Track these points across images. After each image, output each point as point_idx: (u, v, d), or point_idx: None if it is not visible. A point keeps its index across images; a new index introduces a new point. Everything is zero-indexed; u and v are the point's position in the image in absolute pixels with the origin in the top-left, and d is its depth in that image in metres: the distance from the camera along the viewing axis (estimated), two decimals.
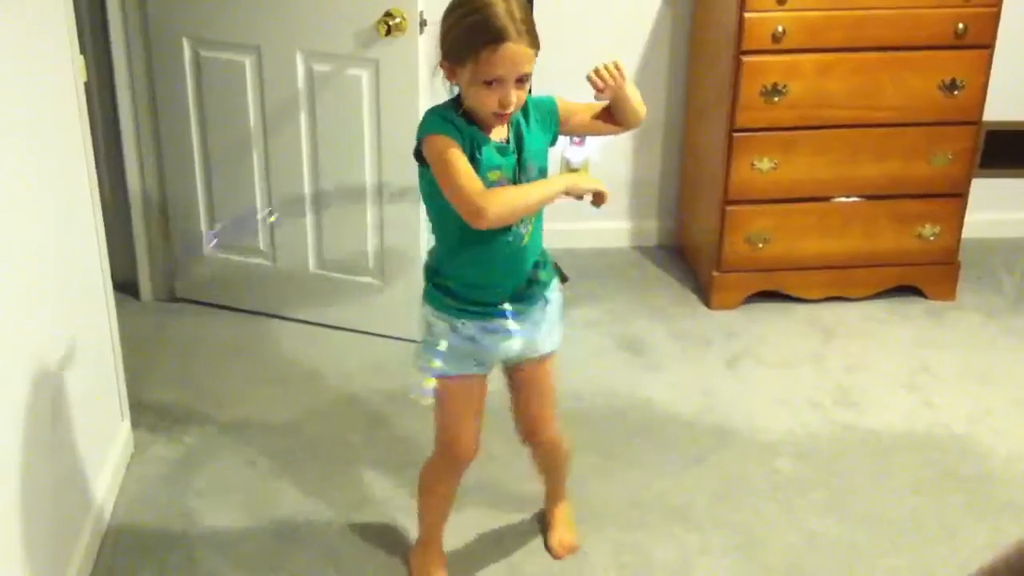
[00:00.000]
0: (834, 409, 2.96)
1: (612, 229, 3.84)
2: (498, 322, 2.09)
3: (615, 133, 2.13)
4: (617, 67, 1.99)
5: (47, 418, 2.15)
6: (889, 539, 2.48)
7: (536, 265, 2.12)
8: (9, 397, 1.96)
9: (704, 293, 3.49)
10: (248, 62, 3.08)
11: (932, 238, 3.40)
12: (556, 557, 2.42)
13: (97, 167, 3.34)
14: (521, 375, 2.22)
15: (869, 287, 3.47)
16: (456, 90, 1.99)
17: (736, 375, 3.12)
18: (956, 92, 3.20)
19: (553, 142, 2.08)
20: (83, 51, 2.81)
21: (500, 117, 1.95)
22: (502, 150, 1.99)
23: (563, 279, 3.55)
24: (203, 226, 3.34)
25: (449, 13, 1.94)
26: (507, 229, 2.02)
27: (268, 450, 2.76)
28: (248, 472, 2.68)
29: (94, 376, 2.52)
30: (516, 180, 2.01)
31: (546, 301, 2.16)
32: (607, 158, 3.72)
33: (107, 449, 2.57)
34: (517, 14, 1.89)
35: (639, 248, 3.87)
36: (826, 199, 3.34)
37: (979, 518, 2.55)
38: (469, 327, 2.09)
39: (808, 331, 3.33)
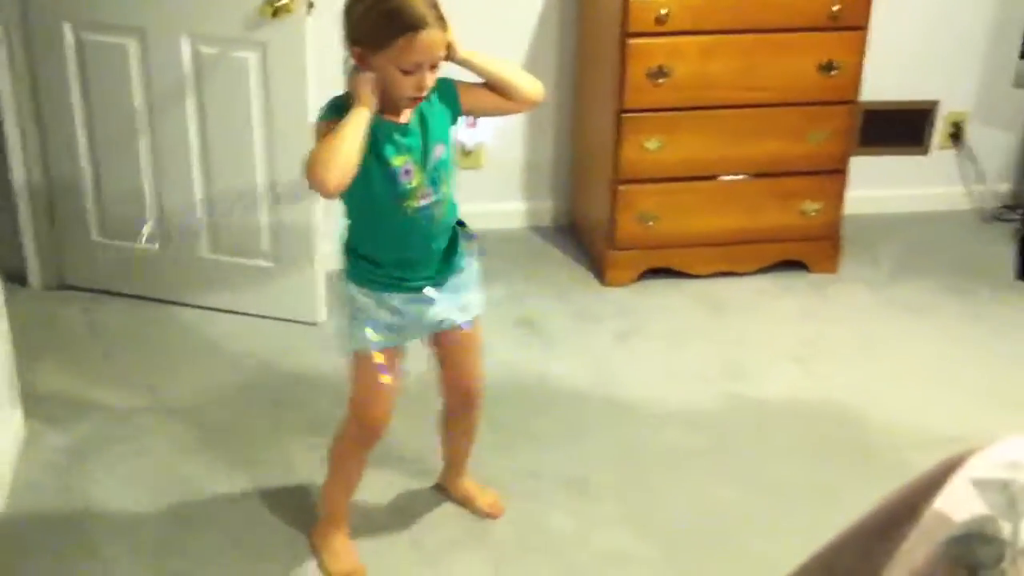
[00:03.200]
0: (722, 381, 3.05)
1: (508, 210, 3.89)
2: (421, 293, 2.15)
3: (514, 111, 2.16)
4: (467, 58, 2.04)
5: None
6: (775, 503, 2.58)
7: (452, 238, 2.18)
8: None
9: (598, 271, 3.57)
10: (132, 45, 3.04)
11: (814, 214, 3.52)
12: (494, 517, 2.49)
13: None
14: (454, 337, 2.28)
15: (756, 262, 3.59)
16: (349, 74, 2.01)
17: (628, 350, 3.20)
18: (833, 72, 3.32)
19: (454, 121, 2.12)
20: None
21: (414, 101, 1.99)
22: (405, 132, 2.03)
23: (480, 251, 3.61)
24: (90, 212, 3.29)
25: (369, 6, 1.94)
26: (417, 208, 2.06)
27: (166, 436, 2.74)
28: (146, 459, 2.66)
29: None
30: (423, 161, 2.05)
31: (462, 268, 2.21)
32: (501, 140, 3.78)
33: None
34: (432, 5, 1.92)
35: (535, 228, 3.92)
36: (712, 178, 3.44)
37: (858, 482, 2.66)
38: (394, 299, 2.13)
39: (698, 306, 3.43)
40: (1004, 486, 1.43)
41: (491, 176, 3.82)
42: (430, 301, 2.17)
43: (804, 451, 2.77)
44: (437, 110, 2.08)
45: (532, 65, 3.69)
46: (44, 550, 2.36)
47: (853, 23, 3.28)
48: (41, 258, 3.39)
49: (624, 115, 3.30)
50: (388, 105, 2.00)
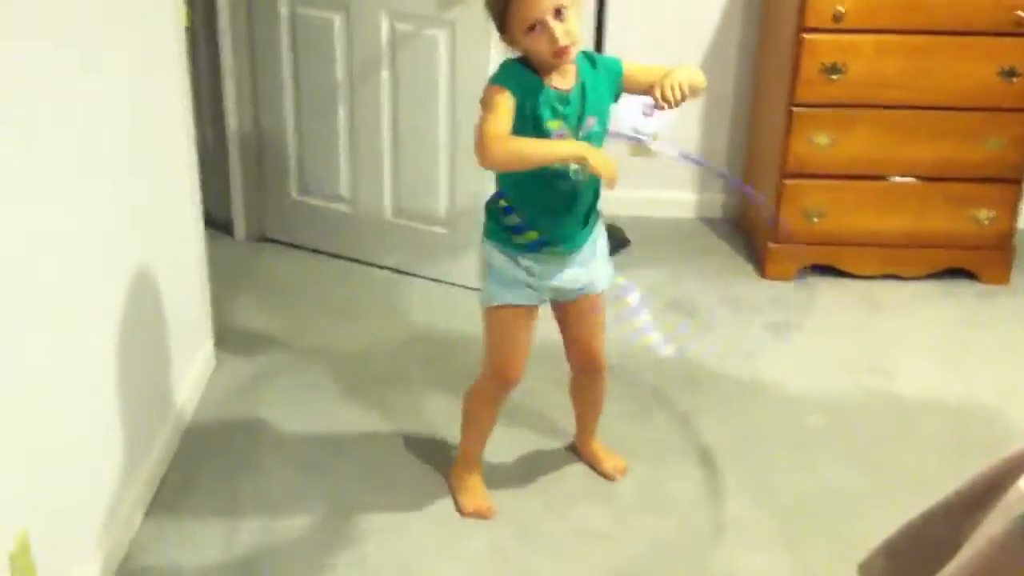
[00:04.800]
0: (869, 375, 3.08)
1: (679, 200, 4.01)
2: (554, 256, 2.29)
3: None
4: (682, 88, 2.10)
5: (142, 324, 2.44)
6: (898, 492, 2.59)
7: (589, 210, 2.31)
8: (110, 302, 2.26)
9: (759, 263, 3.64)
10: (338, 20, 3.34)
11: (987, 222, 3.48)
12: (613, 478, 2.63)
13: (200, 112, 3.66)
14: (576, 309, 2.42)
15: (922, 267, 3.57)
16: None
17: (779, 339, 3.26)
18: (1014, 79, 3.28)
19: (615, 99, 2.23)
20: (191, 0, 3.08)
21: (559, 55, 2.08)
22: (563, 100, 2.14)
23: (625, 242, 3.75)
24: (291, 171, 3.62)
25: None
26: (564, 173, 2.19)
27: (333, 375, 3.02)
28: (313, 392, 2.94)
29: (184, 294, 2.79)
30: (576, 129, 2.17)
31: (593, 240, 2.35)
32: (676, 131, 3.88)
33: (192, 360, 2.86)
34: None
35: (704, 219, 4.03)
36: (881, 178, 3.45)
37: None
38: (527, 259, 2.28)
39: (856, 304, 3.46)
40: None
41: (664, 165, 3.92)
42: (562, 266, 2.31)
43: (940, 448, 2.78)
44: (600, 84, 2.19)
45: (713, 58, 3.80)
46: (218, 454, 2.68)
47: None
48: (246, 211, 3.75)
49: (795, 109, 3.36)
50: (547, 69, 2.13)
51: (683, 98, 2.11)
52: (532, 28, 2.06)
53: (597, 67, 2.21)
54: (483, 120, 2.09)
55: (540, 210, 2.25)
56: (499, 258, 2.31)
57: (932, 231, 3.51)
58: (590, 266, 2.36)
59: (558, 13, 2.05)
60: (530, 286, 2.32)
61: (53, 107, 1.96)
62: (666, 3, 3.71)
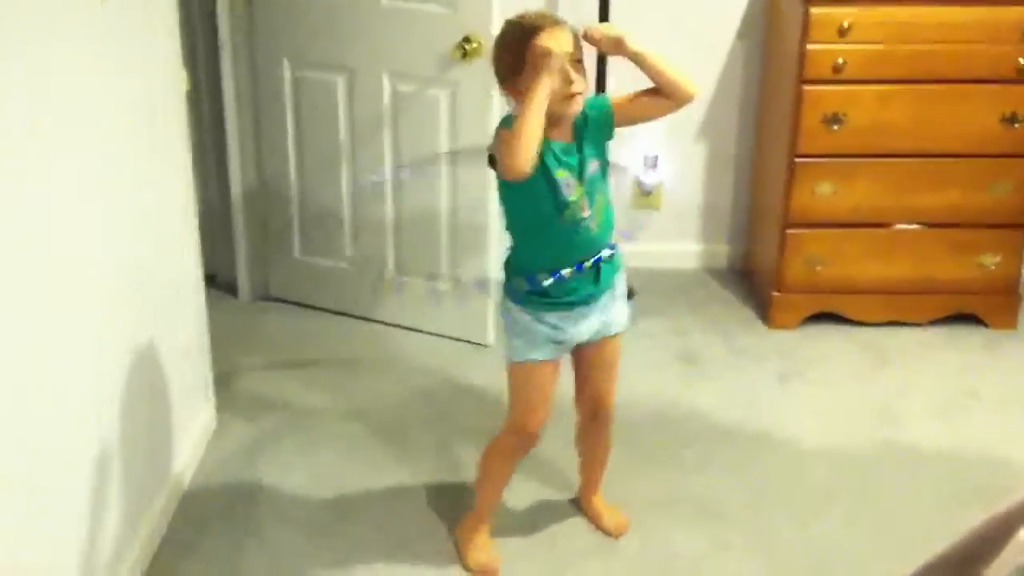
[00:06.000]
0: (876, 426, 3.05)
1: (683, 251, 4.00)
2: (576, 309, 2.30)
3: (669, 110, 2.24)
4: (606, 33, 2.16)
5: (140, 388, 2.44)
6: (909, 546, 2.55)
7: (609, 254, 2.32)
8: (107, 367, 2.26)
9: (764, 313, 3.62)
10: (340, 81, 3.36)
11: (993, 267, 3.46)
12: (615, 536, 2.61)
13: (205, 173, 3.68)
14: (592, 352, 2.42)
15: (928, 313, 3.55)
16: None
17: (785, 390, 3.24)
18: (1017, 125, 3.27)
19: (609, 137, 2.28)
20: (195, 64, 3.10)
21: (570, 98, 2.15)
22: (567, 150, 2.21)
23: (630, 294, 3.74)
24: (295, 230, 3.63)
25: (497, 43, 2.23)
26: (576, 220, 2.22)
27: (338, 435, 3.00)
28: (317, 453, 2.93)
29: (184, 359, 2.79)
30: (581, 176, 2.22)
31: (613, 285, 2.36)
32: (680, 183, 3.90)
33: (191, 424, 2.85)
34: (546, 15, 2.18)
35: (709, 270, 4.01)
36: (885, 225, 3.44)
37: None
38: (551, 316, 2.30)
39: (862, 353, 3.43)
40: None
41: (668, 217, 3.95)
42: (584, 316, 2.32)
43: (948, 499, 2.74)
44: (592, 128, 2.24)
45: (715, 111, 3.81)
46: (218, 520, 2.66)
47: None
48: (251, 272, 3.75)
49: (797, 160, 3.36)
50: (549, 122, 2.15)
51: (602, 40, 2.16)
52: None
53: (587, 112, 2.24)
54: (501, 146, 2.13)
55: (552, 266, 2.26)
56: (520, 315, 2.32)
57: (937, 278, 3.50)
58: (609, 310, 2.37)
59: (577, 62, 2.15)
60: (554, 341, 2.33)
61: (49, 170, 1.97)
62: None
